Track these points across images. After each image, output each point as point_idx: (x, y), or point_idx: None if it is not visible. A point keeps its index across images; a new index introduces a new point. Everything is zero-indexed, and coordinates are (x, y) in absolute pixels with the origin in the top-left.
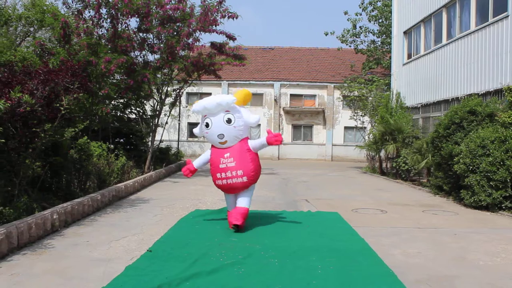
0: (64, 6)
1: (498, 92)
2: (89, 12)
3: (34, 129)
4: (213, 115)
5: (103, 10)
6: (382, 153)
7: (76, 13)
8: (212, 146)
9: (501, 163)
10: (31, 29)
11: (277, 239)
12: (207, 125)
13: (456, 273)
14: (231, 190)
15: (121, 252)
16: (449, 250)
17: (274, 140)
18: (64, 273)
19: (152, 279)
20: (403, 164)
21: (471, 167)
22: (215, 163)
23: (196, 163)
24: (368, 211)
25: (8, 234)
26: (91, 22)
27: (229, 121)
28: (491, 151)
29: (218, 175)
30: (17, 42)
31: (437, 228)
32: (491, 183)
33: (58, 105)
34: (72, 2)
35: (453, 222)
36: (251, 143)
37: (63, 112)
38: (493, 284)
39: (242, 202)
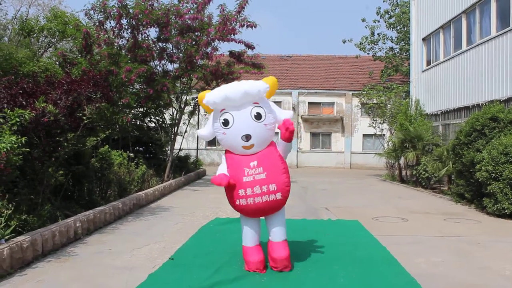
0: (86, 17)
1: None
2: (110, 22)
3: (57, 138)
4: (236, 108)
5: (124, 21)
6: (402, 161)
7: (97, 23)
8: (228, 152)
9: None
10: (53, 40)
11: (298, 247)
12: (225, 123)
13: (481, 283)
14: (259, 212)
15: (144, 260)
16: (473, 259)
17: (286, 132)
18: (89, 281)
19: (175, 287)
20: (423, 172)
21: (493, 175)
22: (237, 175)
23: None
24: (388, 219)
25: (33, 242)
26: (112, 32)
27: (258, 116)
28: None
29: (241, 192)
30: (39, 53)
31: (460, 236)
32: None
33: (80, 114)
34: (94, 13)
35: (476, 231)
36: (279, 149)
37: (85, 121)
38: None
39: (279, 233)
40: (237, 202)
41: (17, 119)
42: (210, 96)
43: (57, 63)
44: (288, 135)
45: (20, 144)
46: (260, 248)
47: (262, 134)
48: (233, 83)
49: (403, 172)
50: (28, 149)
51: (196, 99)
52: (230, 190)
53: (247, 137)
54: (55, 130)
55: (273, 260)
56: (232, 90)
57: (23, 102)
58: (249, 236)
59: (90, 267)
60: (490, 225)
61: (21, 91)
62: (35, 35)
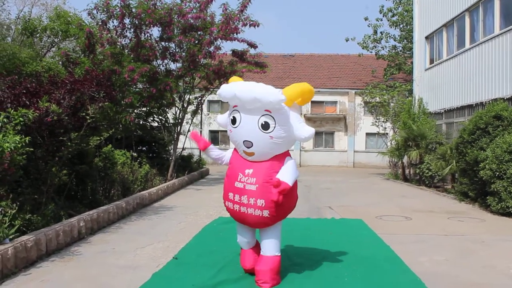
0: (89, 16)
1: None
2: (113, 22)
3: (60, 138)
4: (246, 110)
5: (127, 20)
6: (405, 160)
7: (100, 23)
8: (235, 149)
9: None
10: (56, 39)
11: (302, 246)
12: (233, 121)
13: (485, 282)
14: (243, 221)
15: (147, 259)
16: (477, 258)
17: (276, 192)
18: (93, 280)
19: (179, 286)
20: (427, 171)
21: (497, 173)
22: (232, 176)
23: (212, 146)
24: (392, 218)
25: (37, 241)
26: (115, 32)
27: (265, 126)
28: None
29: (231, 195)
30: (42, 53)
31: (464, 235)
32: None
33: (84, 114)
34: (97, 13)
35: (480, 229)
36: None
37: (88, 121)
38: None
39: (267, 247)
40: (226, 203)
41: (21, 119)
42: (222, 90)
43: (60, 62)
44: (275, 198)
45: (23, 144)
46: (251, 254)
47: (266, 145)
48: (248, 83)
49: (407, 171)
50: (31, 149)
51: (199, 98)
52: (225, 188)
53: (249, 144)
54: (59, 130)
55: (255, 271)
56: (243, 91)
57: (27, 102)
58: (239, 238)
59: (94, 266)
60: (494, 224)
61: (24, 91)
62: (38, 35)
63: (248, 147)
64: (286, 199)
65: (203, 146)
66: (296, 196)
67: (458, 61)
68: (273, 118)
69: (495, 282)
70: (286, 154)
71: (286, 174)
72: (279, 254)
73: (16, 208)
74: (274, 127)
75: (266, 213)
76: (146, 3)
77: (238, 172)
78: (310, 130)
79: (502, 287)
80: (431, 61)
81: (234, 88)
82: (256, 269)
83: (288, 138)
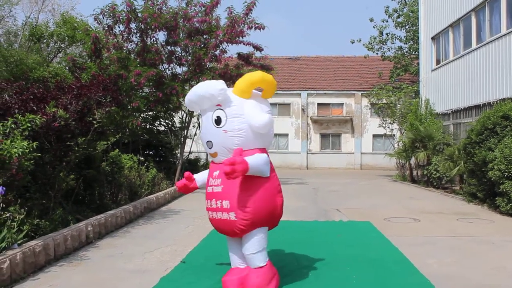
0: (96, 21)
1: None
2: (119, 27)
3: (68, 143)
4: (204, 111)
5: (133, 25)
6: (412, 161)
7: (106, 28)
8: None
9: None
10: (62, 45)
11: (310, 249)
12: (199, 125)
13: (496, 283)
14: (221, 231)
15: (155, 263)
16: (487, 259)
17: (227, 167)
18: (101, 285)
19: None
20: (435, 172)
21: (506, 174)
22: (207, 183)
23: (197, 176)
24: (400, 220)
25: (45, 246)
26: (121, 36)
27: (218, 121)
28: None
29: (208, 203)
30: (49, 58)
31: (473, 236)
32: None
33: (90, 119)
34: (103, 18)
35: (489, 231)
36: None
37: (95, 125)
38: None
39: (249, 259)
40: (208, 213)
41: (28, 124)
42: (186, 98)
43: (67, 68)
44: (227, 171)
45: (31, 149)
46: (235, 273)
47: (223, 141)
48: (199, 83)
49: (414, 172)
50: (39, 154)
51: None
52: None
53: (209, 144)
54: (66, 135)
55: (227, 283)
56: (192, 93)
57: (34, 108)
58: (231, 255)
59: (103, 271)
60: (504, 225)
61: (31, 97)
62: (45, 40)
63: (210, 148)
64: (258, 199)
65: (189, 186)
66: (278, 201)
67: (464, 61)
68: (224, 111)
69: (505, 284)
70: (257, 151)
71: (248, 158)
72: (264, 264)
73: (24, 213)
74: (226, 120)
75: (232, 215)
76: (152, 7)
77: (209, 177)
78: (264, 118)
79: None
80: (438, 62)
81: (188, 94)
82: (244, 284)
83: (248, 131)
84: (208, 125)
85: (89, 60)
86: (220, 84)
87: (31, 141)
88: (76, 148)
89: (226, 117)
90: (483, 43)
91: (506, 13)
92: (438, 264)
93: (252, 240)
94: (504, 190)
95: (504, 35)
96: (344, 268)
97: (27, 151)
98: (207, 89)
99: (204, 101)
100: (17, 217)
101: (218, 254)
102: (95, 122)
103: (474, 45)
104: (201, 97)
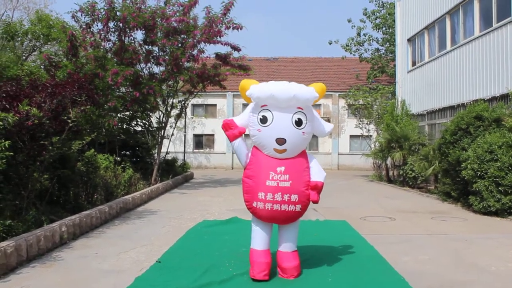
0: (73, 19)
1: (504, 97)
2: (97, 25)
3: (42, 142)
4: (279, 108)
5: (111, 24)
6: (389, 161)
7: (84, 26)
8: (255, 148)
9: (510, 168)
10: (38, 43)
11: None
12: (263, 120)
13: (468, 279)
14: (273, 219)
15: (130, 263)
16: (460, 256)
17: (314, 194)
18: (75, 285)
19: None
20: (410, 172)
21: (479, 173)
22: (260, 176)
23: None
24: (376, 219)
25: (17, 247)
26: (98, 35)
27: (299, 122)
28: (499, 156)
29: (261, 195)
30: (23, 57)
31: (447, 234)
32: (499, 188)
33: (65, 117)
34: (81, 15)
35: (462, 228)
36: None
37: (70, 124)
38: None
39: (291, 244)
40: (254, 204)
41: (0, 123)
42: (254, 90)
43: (42, 66)
44: (316, 198)
45: (3, 148)
46: (269, 253)
47: (298, 141)
48: (282, 83)
49: (390, 172)
50: (12, 153)
51: (183, 102)
52: (251, 190)
53: (282, 141)
54: (40, 134)
55: (282, 269)
56: (280, 90)
57: (7, 106)
58: (258, 239)
59: (76, 271)
60: (476, 223)
61: (4, 95)
62: (19, 38)
63: (281, 144)
64: (308, 190)
65: (234, 136)
66: None
67: (439, 63)
68: (305, 114)
69: (478, 280)
70: (304, 151)
71: (318, 173)
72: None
73: None
74: (306, 123)
75: (298, 207)
76: (131, 6)
77: (269, 171)
78: (330, 125)
79: (485, 285)
80: (413, 63)
81: (270, 88)
82: (283, 266)
83: (311, 134)
84: (284, 124)
85: (65, 58)
86: (315, 92)
87: (3, 140)
88: (50, 148)
89: (306, 120)
90: (457, 45)
91: (479, 16)
92: (413, 262)
93: (295, 227)
94: (477, 189)
95: (478, 37)
96: (319, 267)
97: None
98: (303, 93)
99: (292, 101)
100: None
101: (194, 254)
102: (70, 121)
103: (448, 47)
104: (291, 98)
